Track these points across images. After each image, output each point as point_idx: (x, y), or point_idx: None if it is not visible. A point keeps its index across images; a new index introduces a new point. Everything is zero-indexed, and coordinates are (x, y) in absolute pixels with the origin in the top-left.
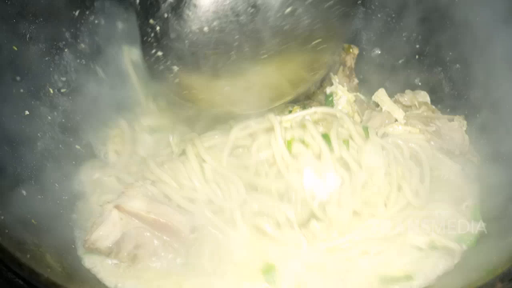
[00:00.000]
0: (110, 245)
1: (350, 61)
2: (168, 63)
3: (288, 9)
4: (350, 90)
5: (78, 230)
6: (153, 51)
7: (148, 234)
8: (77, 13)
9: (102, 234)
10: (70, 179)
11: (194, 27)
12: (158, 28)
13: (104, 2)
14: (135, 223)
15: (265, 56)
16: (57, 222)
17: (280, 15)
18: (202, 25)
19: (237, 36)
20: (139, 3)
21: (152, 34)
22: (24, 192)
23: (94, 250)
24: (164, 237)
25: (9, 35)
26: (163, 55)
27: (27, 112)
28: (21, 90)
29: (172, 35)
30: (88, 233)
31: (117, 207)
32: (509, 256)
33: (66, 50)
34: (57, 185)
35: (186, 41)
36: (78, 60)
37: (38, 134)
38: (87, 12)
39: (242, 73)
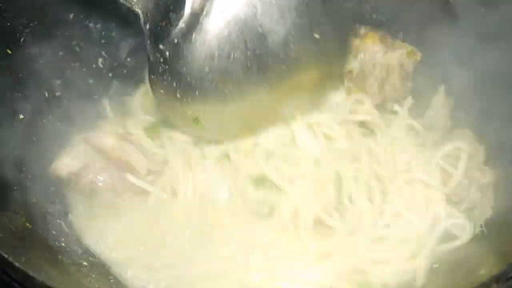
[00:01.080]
0: (69, 174)
1: (409, 65)
2: (175, 85)
3: (293, 35)
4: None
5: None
6: (161, 73)
7: (108, 169)
8: None
9: (64, 163)
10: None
11: (204, 52)
12: (167, 53)
13: None
14: (99, 157)
15: (273, 78)
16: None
17: (286, 41)
18: (212, 51)
19: (245, 62)
20: (149, 29)
21: (161, 59)
22: (19, 196)
23: (56, 177)
24: (122, 175)
25: None
26: (170, 78)
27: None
28: None
29: (182, 61)
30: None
31: (85, 139)
32: (504, 257)
33: None
34: (52, 188)
35: (196, 66)
36: None
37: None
38: None
39: (250, 97)
